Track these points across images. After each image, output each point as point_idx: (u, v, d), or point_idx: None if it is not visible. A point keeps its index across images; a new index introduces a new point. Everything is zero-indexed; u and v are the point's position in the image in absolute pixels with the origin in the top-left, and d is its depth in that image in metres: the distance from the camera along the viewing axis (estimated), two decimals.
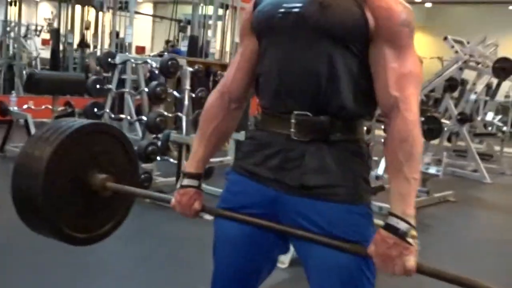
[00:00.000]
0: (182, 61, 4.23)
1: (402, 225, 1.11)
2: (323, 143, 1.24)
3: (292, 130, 1.24)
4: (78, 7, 8.94)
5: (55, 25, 9.32)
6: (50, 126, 1.54)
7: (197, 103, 4.39)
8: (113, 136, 1.64)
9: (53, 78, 5.22)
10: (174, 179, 4.27)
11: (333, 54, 1.19)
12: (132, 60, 4.43)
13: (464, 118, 6.38)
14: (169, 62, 4.04)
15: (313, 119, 1.23)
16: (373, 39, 1.19)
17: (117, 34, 7.03)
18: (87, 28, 8.64)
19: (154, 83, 4.06)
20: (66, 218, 1.52)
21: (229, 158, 4.48)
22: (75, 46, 8.86)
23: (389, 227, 1.13)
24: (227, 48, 7.51)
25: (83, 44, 8.87)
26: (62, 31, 8.55)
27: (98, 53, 7.40)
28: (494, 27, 6.93)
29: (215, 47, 6.96)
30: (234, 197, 1.35)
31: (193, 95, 4.38)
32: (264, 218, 1.28)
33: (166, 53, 6.98)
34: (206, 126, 1.41)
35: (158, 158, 4.21)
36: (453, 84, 6.45)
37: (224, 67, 6.55)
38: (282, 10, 1.23)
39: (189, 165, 1.42)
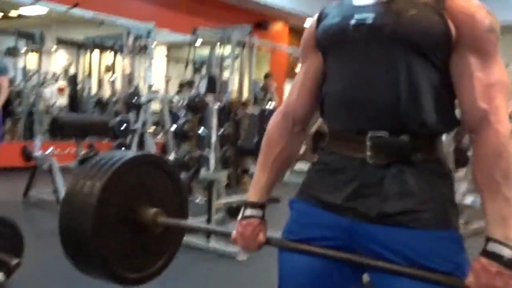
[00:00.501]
0: (209, 99, 4.19)
1: (506, 252, 1.00)
2: (403, 165, 1.13)
3: (368, 153, 1.14)
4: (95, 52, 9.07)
5: (72, 71, 9.44)
6: (98, 160, 1.47)
7: (224, 140, 4.33)
8: (161, 168, 1.56)
9: (78, 121, 5.20)
10: (202, 219, 4.16)
11: (412, 64, 1.10)
12: (158, 98, 4.41)
13: None
14: (196, 99, 4.00)
15: (391, 140, 1.12)
16: (456, 47, 1.10)
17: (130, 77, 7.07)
18: (108, 70, 8.73)
19: (181, 120, 4.02)
20: (118, 258, 1.42)
21: None
22: (93, 90, 8.93)
23: (491, 254, 1.01)
24: (245, 86, 7.51)
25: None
26: (79, 76, 8.66)
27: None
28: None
29: (233, 85, 6.95)
30: (302, 228, 1.24)
31: (219, 132, 4.33)
32: (339, 250, 1.16)
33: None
34: (269, 150, 1.32)
35: None
36: None
37: (243, 105, 6.55)
38: (354, 22, 1.15)
39: (252, 194, 1.32)
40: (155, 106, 10.21)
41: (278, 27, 11.00)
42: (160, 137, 6.75)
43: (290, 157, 1.34)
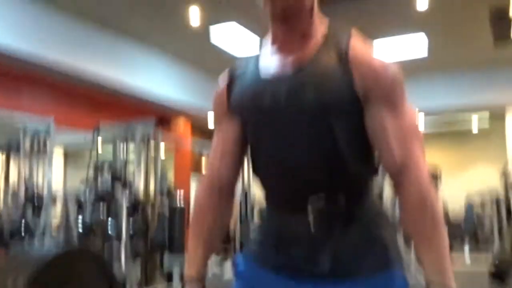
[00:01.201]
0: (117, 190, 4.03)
1: None
2: (343, 224, 1.16)
3: (312, 225, 1.16)
4: None
5: None
6: (16, 255, 1.32)
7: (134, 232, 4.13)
8: (95, 262, 1.44)
9: None
10: None
11: (330, 127, 1.15)
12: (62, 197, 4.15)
13: None
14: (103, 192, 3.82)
15: (330, 208, 1.15)
16: (366, 102, 1.15)
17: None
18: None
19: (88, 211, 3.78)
20: None
21: None
22: None
23: None
24: (151, 184, 7.35)
25: None
26: None
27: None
28: None
29: (139, 182, 6.77)
30: None
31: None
32: None
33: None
34: (201, 222, 1.29)
35: None
36: None
37: (151, 205, 6.34)
38: (269, 98, 1.19)
39: (189, 269, 1.27)
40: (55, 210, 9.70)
41: (181, 122, 11.13)
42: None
43: (223, 224, 1.33)
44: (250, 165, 1.28)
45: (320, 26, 1.21)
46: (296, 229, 1.18)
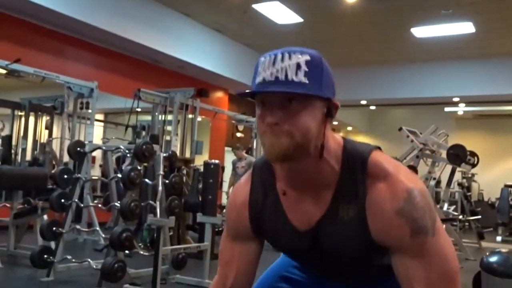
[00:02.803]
0: (156, 147, 4.18)
1: None
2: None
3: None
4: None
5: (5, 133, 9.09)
6: None
7: (170, 190, 4.28)
8: None
9: (15, 172, 4.98)
10: (147, 270, 4.02)
11: (356, 271, 1.19)
12: (104, 148, 4.34)
13: None
14: (144, 147, 3.98)
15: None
16: (390, 250, 1.07)
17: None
18: (46, 130, 8.46)
19: (128, 167, 3.95)
20: None
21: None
22: (28, 152, 8.61)
23: None
24: (187, 147, 7.55)
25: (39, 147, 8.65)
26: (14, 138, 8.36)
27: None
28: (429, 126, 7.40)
29: (176, 145, 6.97)
30: None
31: (166, 181, 4.28)
32: None
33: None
34: None
35: (127, 251, 3.98)
36: (413, 172, 6.67)
37: (187, 161, 6.56)
38: (299, 249, 1.18)
39: None
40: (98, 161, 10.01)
41: (219, 94, 11.27)
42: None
43: None
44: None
45: (333, 162, 1.09)
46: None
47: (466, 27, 8.70)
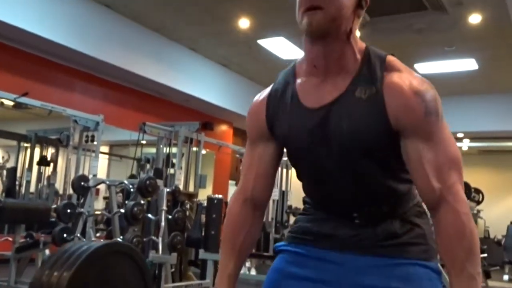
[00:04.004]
0: (160, 181, 4.18)
1: None
2: (387, 218, 1.23)
3: (358, 222, 1.23)
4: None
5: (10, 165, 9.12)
6: (64, 250, 1.45)
7: (173, 225, 4.26)
8: (128, 256, 1.55)
9: (20, 206, 4.97)
10: None
11: (368, 157, 1.17)
12: (107, 182, 4.35)
13: None
14: (147, 182, 3.98)
15: (375, 214, 1.22)
16: (401, 135, 1.14)
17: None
18: (48, 164, 8.48)
19: (131, 203, 3.95)
20: None
21: None
22: (32, 184, 8.62)
23: None
24: (191, 182, 7.54)
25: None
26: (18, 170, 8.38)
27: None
28: None
29: (180, 179, 6.96)
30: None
31: (169, 217, 4.26)
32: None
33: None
34: (234, 237, 1.33)
35: None
36: None
37: (189, 196, 6.54)
38: (309, 123, 1.20)
39: (220, 283, 1.31)
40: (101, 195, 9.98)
41: (223, 127, 11.33)
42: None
43: (254, 240, 1.37)
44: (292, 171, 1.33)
45: (356, 51, 1.18)
46: (342, 222, 1.25)
47: (469, 64, 8.78)
